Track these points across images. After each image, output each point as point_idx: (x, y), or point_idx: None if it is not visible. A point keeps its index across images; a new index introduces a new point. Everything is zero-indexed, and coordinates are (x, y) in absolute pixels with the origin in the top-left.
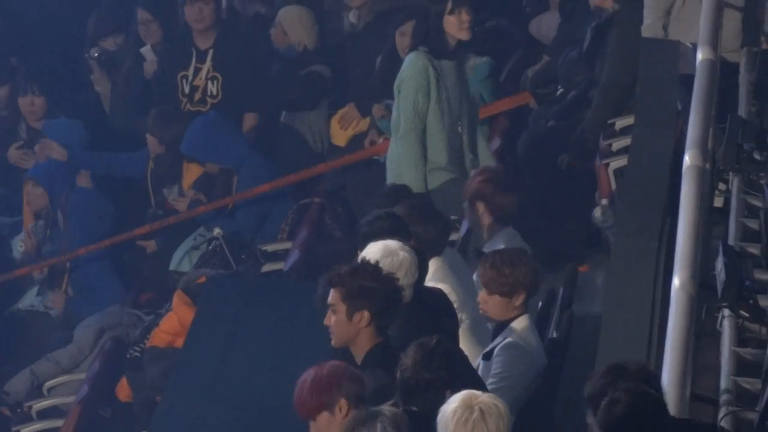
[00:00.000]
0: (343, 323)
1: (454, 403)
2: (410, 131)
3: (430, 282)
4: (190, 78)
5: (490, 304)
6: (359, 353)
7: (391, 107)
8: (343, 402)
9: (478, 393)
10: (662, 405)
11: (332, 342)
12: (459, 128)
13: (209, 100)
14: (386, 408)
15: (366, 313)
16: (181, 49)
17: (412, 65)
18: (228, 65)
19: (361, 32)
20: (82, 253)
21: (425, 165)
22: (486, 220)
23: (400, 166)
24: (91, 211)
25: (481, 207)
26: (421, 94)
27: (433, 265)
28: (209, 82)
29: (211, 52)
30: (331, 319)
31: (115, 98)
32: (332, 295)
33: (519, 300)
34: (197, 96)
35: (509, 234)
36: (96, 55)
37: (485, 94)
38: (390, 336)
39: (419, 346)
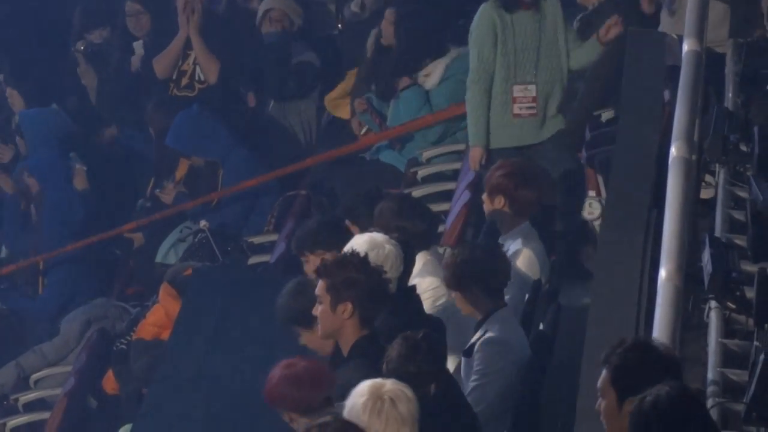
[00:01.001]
0: (328, 314)
1: (362, 396)
2: (474, 83)
3: (417, 276)
4: (179, 63)
5: (462, 301)
6: (345, 345)
7: (372, 101)
8: (292, 414)
9: (383, 381)
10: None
11: (319, 333)
12: (534, 79)
13: (197, 85)
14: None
15: (349, 305)
16: (171, 34)
17: (479, 16)
18: (217, 48)
19: (367, 19)
20: (59, 252)
21: (487, 120)
22: (506, 214)
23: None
24: (63, 211)
25: (501, 201)
26: (486, 46)
27: (421, 259)
28: (197, 67)
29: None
30: (317, 310)
31: (101, 91)
32: (319, 286)
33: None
34: (184, 81)
35: (526, 229)
36: (82, 48)
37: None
38: (376, 328)
39: (404, 340)
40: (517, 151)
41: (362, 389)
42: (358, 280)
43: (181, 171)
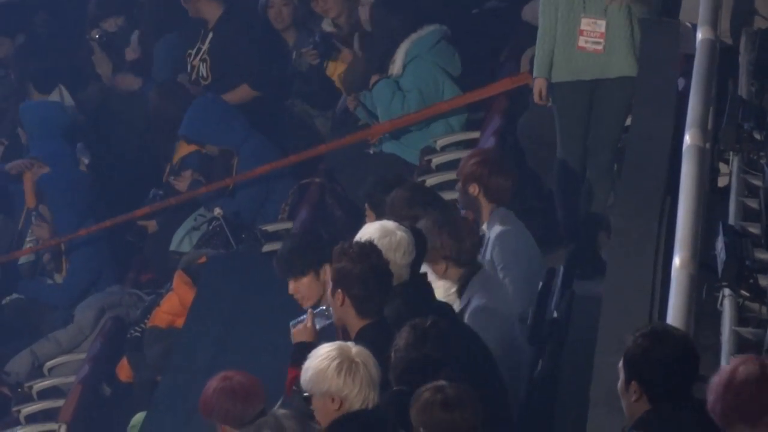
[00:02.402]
0: (331, 300)
1: (333, 359)
2: (542, 15)
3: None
4: (192, 57)
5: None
6: (352, 332)
7: (366, 98)
8: (225, 426)
9: (349, 345)
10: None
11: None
12: (604, 15)
13: (201, 81)
14: (272, 414)
15: (340, 294)
16: (195, 28)
17: None
18: (224, 47)
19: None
20: (81, 235)
21: (551, 51)
22: (481, 202)
23: None
24: (70, 195)
25: (475, 189)
26: None
27: None
28: (201, 64)
29: (210, 34)
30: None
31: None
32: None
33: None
34: (193, 76)
35: (502, 213)
36: (97, 36)
37: (439, 61)
38: (387, 314)
39: (412, 327)
40: (578, 86)
41: (330, 352)
42: (351, 271)
43: (179, 154)
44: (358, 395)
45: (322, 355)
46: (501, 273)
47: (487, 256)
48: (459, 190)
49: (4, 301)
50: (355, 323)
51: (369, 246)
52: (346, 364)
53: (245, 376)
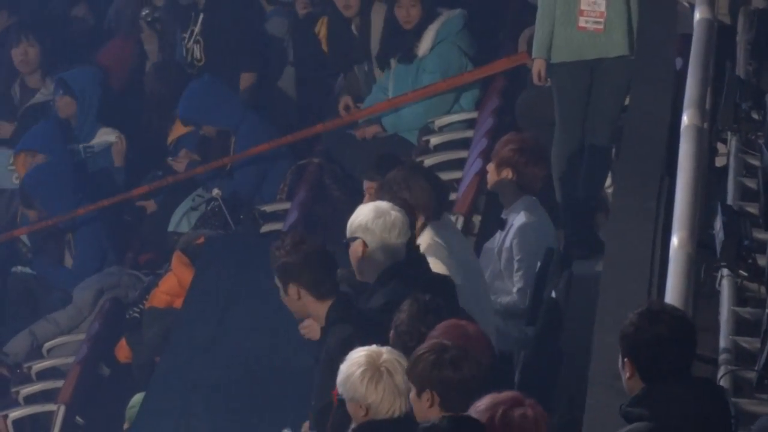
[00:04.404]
0: (288, 301)
1: (359, 366)
2: None
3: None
4: (186, 40)
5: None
6: (320, 320)
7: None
8: None
9: (380, 351)
10: None
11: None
12: None
13: (196, 63)
14: None
15: (293, 288)
16: (186, 9)
17: None
18: (216, 28)
19: None
20: (79, 214)
21: (551, 32)
22: (511, 188)
23: None
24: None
25: (509, 174)
26: None
27: (426, 239)
28: (195, 46)
29: (201, 15)
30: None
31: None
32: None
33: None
34: (188, 58)
35: (528, 201)
36: (145, 13)
37: (463, 45)
38: (385, 294)
39: (415, 300)
40: (578, 66)
41: (359, 359)
42: (292, 263)
43: (174, 135)
44: (383, 404)
45: (353, 360)
46: (516, 264)
47: (507, 243)
48: (490, 171)
49: (13, 269)
50: (319, 309)
51: (297, 234)
52: (369, 372)
53: None
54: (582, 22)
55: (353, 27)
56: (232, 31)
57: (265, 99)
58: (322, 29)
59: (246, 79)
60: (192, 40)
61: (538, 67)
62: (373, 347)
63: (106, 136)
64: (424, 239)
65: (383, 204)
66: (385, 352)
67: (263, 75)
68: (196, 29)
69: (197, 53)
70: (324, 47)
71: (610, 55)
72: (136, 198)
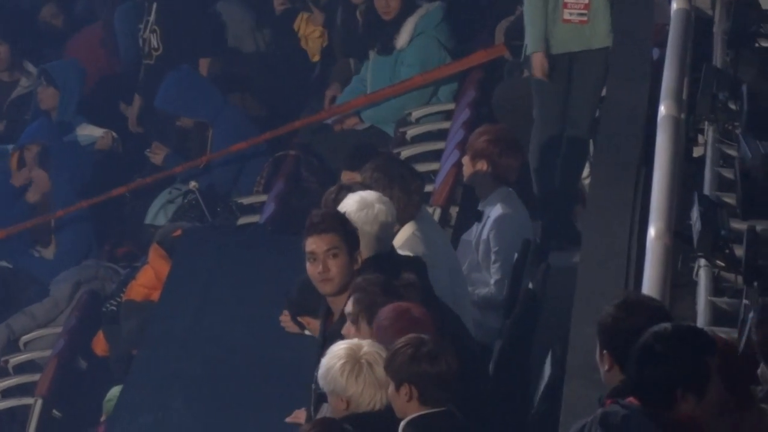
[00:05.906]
0: (347, 266)
1: (339, 359)
2: None
3: (399, 250)
4: (142, 31)
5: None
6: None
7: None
8: None
9: (360, 343)
10: None
11: (327, 290)
12: None
13: (153, 53)
14: None
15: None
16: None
17: None
18: (170, 15)
19: None
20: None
21: (544, 25)
22: (487, 179)
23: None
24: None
25: (484, 166)
26: None
27: (407, 230)
28: (151, 35)
29: (155, 4)
30: (333, 267)
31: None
32: (332, 239)
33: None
34: (146, 49)
35: (505, 192)
36: None
37: (441, 38)
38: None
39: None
40: (559, 59)
41: (339, 351)
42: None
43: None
44: (363, 396)
45: (333, 352)
46: (493, 256)
47: (484, 235)
48: (465, 164)
49: None
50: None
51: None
52: (349, 365)
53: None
54: (567, 15)
55: (357, 14)
56: (187, 16)
57: (234, 87)
58: (301, 26)
59: (204, 65)
60: (148, 30)
61: (539, 61)
62: (354, 340)
63: (89, 130)
64: (404, 231)
65: (369, 195)
66: (366, 345)
67: (227, 62)
68: (151, 18)
69: (154, 42)
70: (303, 45)
71: (593, 46)
72: (114, 195)
